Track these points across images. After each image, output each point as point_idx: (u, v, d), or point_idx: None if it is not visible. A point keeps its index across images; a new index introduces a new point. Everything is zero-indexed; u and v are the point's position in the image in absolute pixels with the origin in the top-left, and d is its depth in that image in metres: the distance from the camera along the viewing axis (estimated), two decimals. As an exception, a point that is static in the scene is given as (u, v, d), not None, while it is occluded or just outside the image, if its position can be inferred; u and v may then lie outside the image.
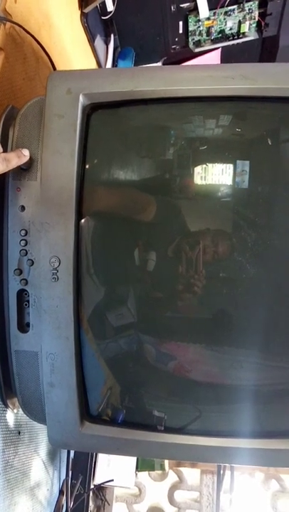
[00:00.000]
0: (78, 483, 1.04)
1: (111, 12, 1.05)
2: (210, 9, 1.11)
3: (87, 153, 0.60)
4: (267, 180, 0.63)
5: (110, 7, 1.04)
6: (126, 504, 1.34)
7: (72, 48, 0.92)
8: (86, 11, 0.95)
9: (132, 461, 1.22)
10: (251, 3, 1.11)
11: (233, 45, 1.22)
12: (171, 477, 1.37)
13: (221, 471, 1.18)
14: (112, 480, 1.13)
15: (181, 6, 1.11)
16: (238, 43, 1.21)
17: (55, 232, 0.59)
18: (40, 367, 0.64)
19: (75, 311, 0.61)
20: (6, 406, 0.70)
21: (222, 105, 0.61)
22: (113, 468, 1.18)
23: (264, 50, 1.28)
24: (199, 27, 1.17)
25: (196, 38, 1.19)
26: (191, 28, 1.17)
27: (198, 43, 1.21)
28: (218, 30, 1.17)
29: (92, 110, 0.60)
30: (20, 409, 0.69)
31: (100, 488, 1.20)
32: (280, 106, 0.60)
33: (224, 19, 1.15)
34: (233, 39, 1.20)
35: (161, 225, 0.64)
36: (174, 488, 1.36)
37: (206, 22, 1.15)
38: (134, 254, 0.63)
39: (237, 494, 1.23)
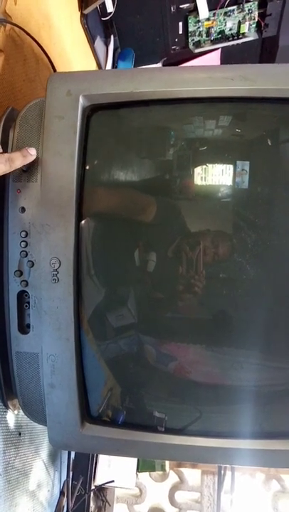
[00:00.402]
0: (79, 484, 1.04)
1: (111, 13, 1.05)
2: (210, 10, 1.12)
3: (87, 154, 0.60)
4: (267, 181, 0.63)
5: (110, 8, 1.04)
6: (127, 505, 1.34)
7: (72, 49, 0.92)
8: (86, 12, 0.95)
9: (132, 461, 1.22)
10: (251, 3, 1.11)
11: (232, 45, 1.22)
12: (172, 478, 1.37)
13: (222, 472, 1.18)
14: (113, 481, 1.13)
15: (181, 6, 1.11)
16: (237, 44, 1.22)
17: (56, 234, 0.59)
18: (40, 368, 0.64)
19: (76, 312, 0.61)
20: (7, 407, 0.70)
21: (222, 106, 0.61)
22: (114, 469, 1.18)
23: (264, 51, 1.28)
24: (199, 27, 1.17)
25: (196, 38, 1.20)
26: (190, 29, 1.17)
27: (198, 44, 1.21)
28: (218, 30, 1.18)
29: (92, 111, 0.60)
30: (21, 411, 0.69)
31: (101, 489, 1.20)
32: (280, 107, 0.60)
33: (224, 20, 1.15)
34: (233, 39, 1.20)
35: (162, 226, 0.64)
36: (174, 488, 1.36)
37: (206, 23, 1.16)
38: (135, 255, 0.63)
39: (238, 495, 1.23)
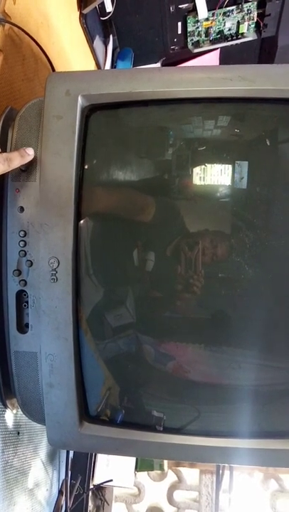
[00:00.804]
0: (77, 484, 1.04)
1: (110, 13, 1.05)
2: (209, 10, 1.12)
3: (86, 154, 0.60)
4: (265, 181, 0.63)
5: (109, 8, 1.04)
6: (125, 504, 1.34)
7: (71, 49, 0.92)
8: (85, 11, 0.95)
9: (131, 461, 1.22)
10: (250, 3, 1.11)
11: (231, 45, 1.22)
12: (171, 477, 1.37)
13: (220, 471, 1.18)
14: (112, 480, 1.13)
15: (180, 6, 1.11)
16: (236, 44, 1.22)
17: (54, 233, 0.59)
18: (39, 367, 0.64)
19: (74, 312, 0.61)
20: (5, 406, 0.70)
21: (220, 107, 0.61)
22: (112, 469, 1.18)
23: (263, 51, 1.28)
24: (198, 28, 1.17)
25: (195, 38, 1.20)
26: (189, 29, 1.17)
27: (197, 44, 1.21)
28: (217, 30, 1.18)
29: (90, 111, 0.60)
30: (20, 410, 0.69)
31: (99, 488, 1.20)
32: (278, 107, 0.60)
33: (223, 20, 1.15)
34: (232, 40, 1.20)
35: (160, 226, 0.64)
36: (173, 488, 1.36)
37: (205, 23, 1.16)
38: (133, 254, 0.63)
39: (236, 494, 1.24)
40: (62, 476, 0.99)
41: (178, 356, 0.66)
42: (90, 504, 1.14)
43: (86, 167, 0.61)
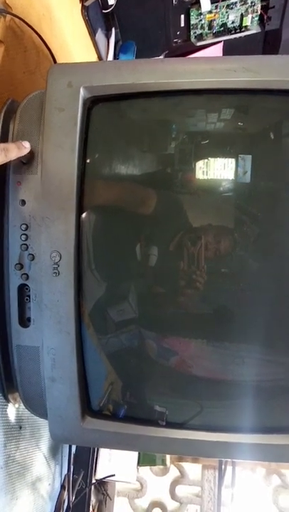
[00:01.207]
0: (80, 478, 1.04)
1: (112, 5, 1.04)
2: (212, 2, 1.10)
3: (88, 146, 0.60)
4: (269, 175, 0.63)
5: (111, 0, 1.03)
6: (128, 499, 1.34)
7: (73, 42, 0.91)
8: (87, 4, 0.94)
9: (133, 456, 1.22)
10: (254, -4, 1.10)
11: (235, 38, 1.20)
12: (173, 472, 1.37)
13: (223, 467, 1.18)
14: (114, 475, 1.13)
15: (183, -1, 1.10)
16: (240, 37, 1.20)
17: (56, 227, 0.59)
18: (41, 362, 0.63)
19: (76, 306, 0.61)
20: (8, 401, 0.70)
21: (224, 98, 0.61)
22: (114, 463, 1.18)
23: (266, 44, 1.27)
24: (201, 20, 1.16)
25: (198, 31, 1.18)
26: (192, 22, 1.16)
27: (200, 37, 1.20)
28: (220, 23, 1.16)
29: (93, 103, 0.60)
30: (22, 404, 0.69)
31: (102, 483, 1.20)
32: (283, 99, 0.59)
33: (226, 12, 1.14)
34: (235, 32, 1.19)
35: (163, 220, 0.63)
36: (175, 482, 1.36)
37: (208, 15, 1.14)
38: (136, 249, 0.63)
39: (238, 489, 1.23)
40: (65, 471, 0.99)
41: (181, 351, 0.66)
42: (93, 499, 1.14)
43: (88, 160, 0.60)
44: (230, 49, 1.25)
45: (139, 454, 1.25)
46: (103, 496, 1.23)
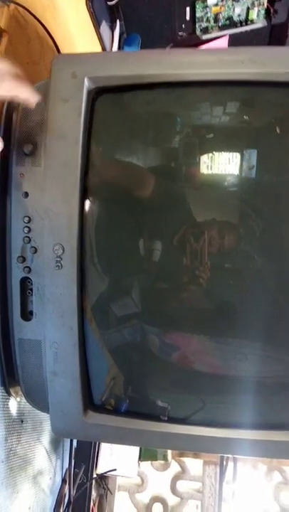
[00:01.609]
0: (81, 472, 1.04)
1: (117, -3, 1.03)
2: (218, -5, 1.09)
3: (92, 138, 0.59)
4: (276, 169, 0.62)
5: (116, -8, 1.02)
6: (128, 493, 1.34)
7: (77, 33, 0.90)
8: (92, -5, 0.93)
9: (134, 450, 1.22)
10: (260, -12, 1.09)
11: (241, 32, 1.19)
12: (174, 467, 1.37)
13: (224, 462, 1.18)
14: (115, 469, 1.13)
15: (189, -9, 1.08)
16: (246, 31, 1.19)
17: (59, 220, 0.58)
18: (43, 355, 0.63)
19: (79, 300, 0.60)
20: (9, 394, 0.70)
21: (230, 90, 0.60)
22: (116, 458, 1.18)
23: (272, 38, 1.25)
24: (207, 13, 1.14)
25: (204, 24, 1.17)
26: (198, 15, 1.14)
27: (205, 30, 1.19)
28: (226, 16, 1.15)
29: (97, 94, 0.59)
30: (23, 398, 0.69)
31: (103, 477, 1.20)
32: (290, 91, 0.58)
33: (232, 5, 1.13)
34: (241, 26, 1.18)
35: (167, 214, 0.63)
36: (176, 478, 1.36)
37: (214, 8, 1.13)
38: (139, 243, 0.62)
39: (239, 485, 1.23)
40: (66, 465, 0.99)
41: (183, 347, 0.65)
42: (93, 493, 1.14)
43: (92, 152, 0.59)
44: (236, 43, 1.24)
45: (140, 448, 1.25)
46: (104, 490, 1.23)
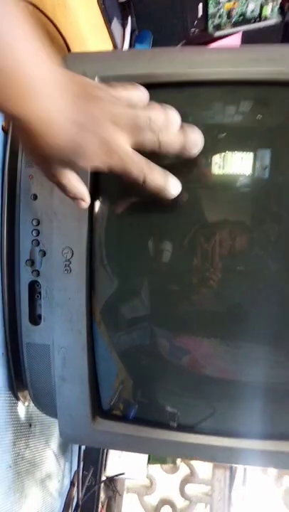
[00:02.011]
0: (89, 475, 1.04)
1: (128, -6, 1.02)
2: (231, -9, 1.07)
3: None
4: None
5: (128, -11, 1.00)
6: (137, 496, 1.34)
7: (88, 31, 0.89)
8: (103, -8, 0.92)
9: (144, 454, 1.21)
10: (275, -17, 1.06)
11: (254, 29, 1.17)
12: (183, 470, 1.36)
13: (234, 467, 1.17)
14: (123, 473, 1.12)
15: (202, -13, 1.07)
16: (259, 27, 1.17)
17: (69, 223, 0.57)
18: (51, 360, 0.62)
19: (88, 304, 0.59)
20: (18, 399, 0.69)
21: (245, 90, 0.58)
22: (124, 460, 1.18)
23: (286, 35, 1.23)
24: (219, 10, 1.12)
25: (216, 21, 1.15)
26: (210, 11, 1.12)
27: (218, 27, 1.17)
28: (240, 12, 1.13)
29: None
30: (32, 402, 0.68)
31: (111, 480, 1.20)
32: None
33: (246, 1, 1.11)
34: (255, 22, 1.15)
35: (177, 215, 0.61)
36: (185, 481, 1.35)
37: (227, 4, 1.11)
38: (149, 245, 0.61)
39: (249, 490, 1.22)
40: (74, 468, 0.99)
41: (193, 350, 0.64)
42: (102, 495, 1.14)
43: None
44: (249, 39, 1.21)
45: (149, 451, 1.24)
46: (113, 492, 1.23)
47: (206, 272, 0.59)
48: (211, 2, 1.10)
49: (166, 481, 1.35)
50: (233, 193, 0.61)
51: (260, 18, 1.15)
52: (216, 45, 1.19)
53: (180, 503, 1.34)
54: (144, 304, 0.62)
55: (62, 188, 0.48)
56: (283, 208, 0.60)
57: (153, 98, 0.60)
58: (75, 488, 0.97)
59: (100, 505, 1.09)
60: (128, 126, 0.44)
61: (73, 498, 0.97)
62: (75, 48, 0.81)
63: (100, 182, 0.58)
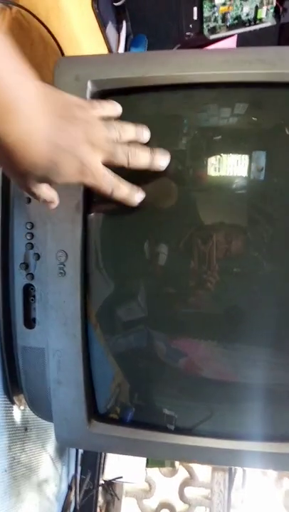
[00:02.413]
0: (87, 479, 1.03)
1: (123, -2, 1.02)
2: (226, -6, 1.08)
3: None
4: (285, 172, 0.60)
5: (122, -8, 1.01)
6: (136, 500, 1.33)
7: (82, 36, 0.89)
8: (97, -4, 0.92)
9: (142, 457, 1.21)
10: (269, -14, 1.07)
11: (249, 31, 1.17)
12: (182, 473, 1.36)
13: (233, 469, 1.16)
14: (121, 477, 1.12)
15: (196, -10, 1.07)
16: (254, 30, 1.17)
17: (62, 225, 0.57)
18: (46, 364, 0.62)
19: (82, 307, 0.59)
20: (13, 403, 0.69)
21: (238, 92, 0.58)
22: (123, 464, 1.17)
23: (282, 37, 1.23)
24: (214, 13, 1.13)
25: (211, 24, 1.15)
26: (205, 14, 1.13)
27: (213, 30, 1.17)
28: (234, 16, 1.13)
29: (101, 98, 0.58)
30: (27, 406, 0.68)
31: (110, 484, 1.19)
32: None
33: (240, 4, 1.11)
34: (250, 25, 1.16)
35: (173, 217, 0.61)
36: (184, 484, 1.34)
37: (222, 8, 1.11)
38: (145, 247, 0.61)
39: (249, 492, 1.22)
40: (72, 472, 0.98)
41: (190, 353, 0.64)
42: (100, 499, 1.13)
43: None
44: (244, 42, 1.22)
45: (147, 455, 1.24)
46: (111, 496, 1.22)
47: (203, 274, 0.59)
48: (205, 5, 1.11)
49: (165, 484, 1.34)
50: (228, 195, 0.61)
51: (255, 21, 1.15)
52: (211, 48, 1.20)
53: (179, 506, 1.33)
54: (141, 307, 0.62)
55: (34, 197, 0.50)
56: (279, 210, 0.60)
57: (146, 101, 0.60)
58: (73, 493, 0.97)
59: (98, 510, 1.08)
60: (104, 149, 0.47)
61: (71, 502, 0.97)
62: (70, 52, 0.81)
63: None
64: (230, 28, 1.16)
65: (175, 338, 0.64)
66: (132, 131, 0.52)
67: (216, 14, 1.13)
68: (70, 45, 0.83)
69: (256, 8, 1.12)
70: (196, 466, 1.35)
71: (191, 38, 1.20)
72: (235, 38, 1.20)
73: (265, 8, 1.12)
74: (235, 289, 0.61)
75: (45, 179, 0.46)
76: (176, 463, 1.33)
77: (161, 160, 0.54)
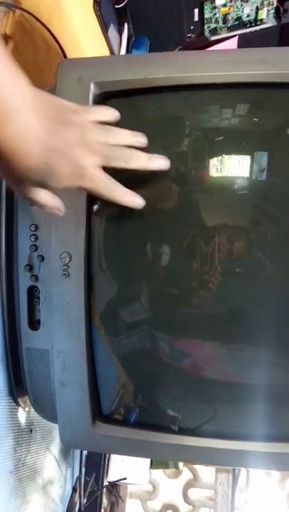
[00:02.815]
0: (92, 480, 1.03)
1: (125, 0, 1.03)
2: (227, -5, 1.08)
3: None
4: (287, 173, 0.60)
5: (124, -5, 1.01)
6: (140, 501, 1.33)
7: (84, 38, 0.89)
8: (99, -1, 0.93)
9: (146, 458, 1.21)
10: (270, -13, 1.07)
11: (250, 32, 1.18)
12: (186, 474, 1.36)
13: (237, 470, 1.16)
14: (126, 478, 1.11)
15: (197, -8, 1.07)
16: (255, 31, 1.17)
17: (66, 227, 0.57)
18: (51, 365, 0.62)
19: (87, 308, 0.59)
20: (18, 404, 0.69)
21: (239, 92, 0.58)
22: (127, 465, 1.17)
23: (282, 38, 1.23)
24: (215, 14, 1.13)
25: (212, 25, 1.16)
26: (206, 16, 1.13)
27: (214, 31, 1.18)
28: (235, 17, 1.14)
29: (103, 99, 0.58)
30: (32, 408, 0.68)
31: (114, 485, 1.19)
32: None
33: (241, 5, 1.11)
34: (251, 26, 1.16)
35: (176, 219, 0.61)
36: (188, 485, 1.34)
37: (223, 9, 1.12)
38: (148, 248, 0.61)
39: (252, 493, 1.21)
40: (76, 473, 0.98)
41: (194, 354, 0.64)
42: (105, 501, 1.13)
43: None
44: (245, 43, 1.22)
45: (151, 456, 1.24)
46: (115, 497, 1.22)
47: (206, 275, 0.59)
48: (206, 7, 1.11)
49: (169, 485, 1.34)
50: (230, 196, 0.61)
51: (255, 21, 1.16)
52: (212, 49, 1.20)
53: (183, 508, 1.33)
54: (144, 308, 0.62)
55: (37, 204, 0.49)
56: (281, 210, 0.60)
57: (149, 102, 0.61)
58: (77, 494, 0.97)
59: (102, 511, 1.08)
60: (100, 152, 0.47)
61: (75, 504, 0.97)
62: (72, 54, 0.82)
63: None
64: (231, 29, 1.17)
65: (179, 339, 0.64)
66: (127, 136, 0.52)
67: (217, 15, 1.13)
68: (73, 48, 0.83)
69: (257, 9, 1.12)
70: (199, 468, 1.35)
71: (192, 40, 1.20)
72: (236, 39, 1.20)
73: (265, 9, 1.12)
74: (239, 290, 0.61)
75: (42, 183, 0.46)
76: (180, 464, 1.33)
77: (159, 162, 0.53)
